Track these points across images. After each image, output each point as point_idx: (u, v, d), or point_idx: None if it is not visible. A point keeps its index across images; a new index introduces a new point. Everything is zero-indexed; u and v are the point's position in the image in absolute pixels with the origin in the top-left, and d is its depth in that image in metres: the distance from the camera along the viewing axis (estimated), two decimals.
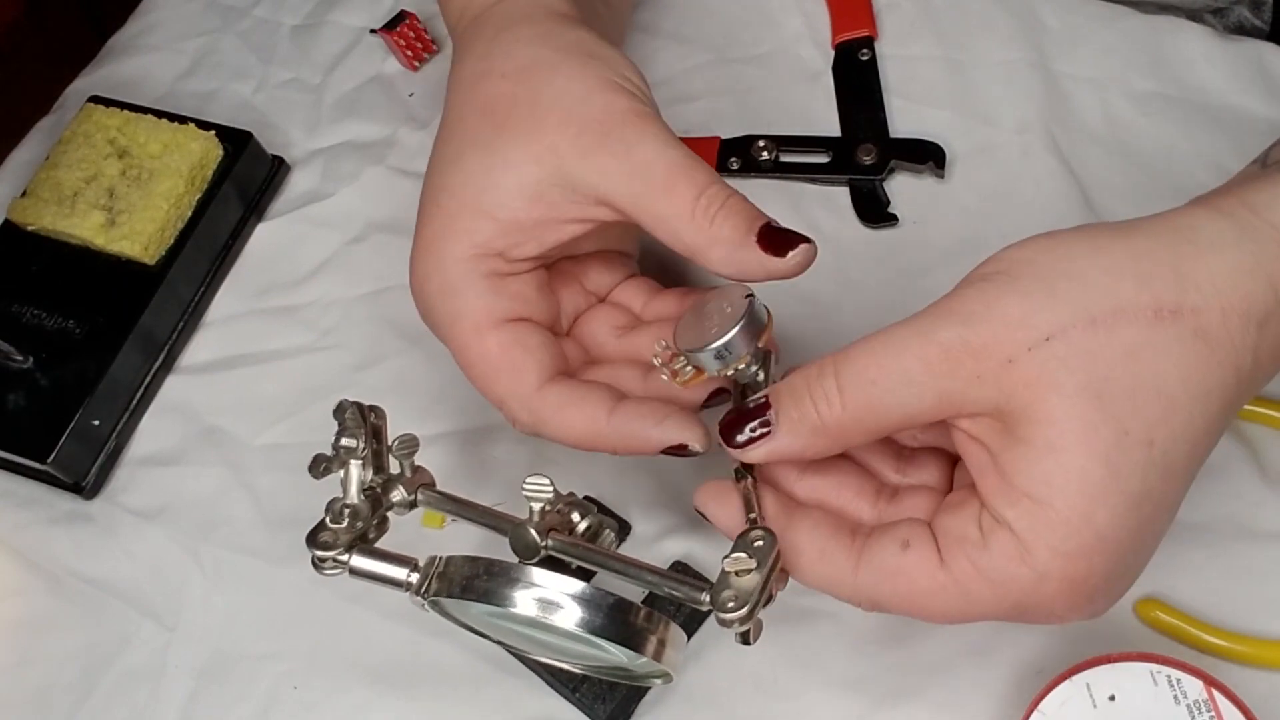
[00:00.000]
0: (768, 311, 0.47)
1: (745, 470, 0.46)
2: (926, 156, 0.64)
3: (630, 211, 0.49)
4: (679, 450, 0.49)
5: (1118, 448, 0.40)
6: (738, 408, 0.45)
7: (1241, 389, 0.42)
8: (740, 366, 0.46)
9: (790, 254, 0.47)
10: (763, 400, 0.44)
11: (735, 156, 0.66)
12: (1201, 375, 0.41)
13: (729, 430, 0.44)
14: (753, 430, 0.44)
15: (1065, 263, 0.42)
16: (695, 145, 0.66)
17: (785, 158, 0.66)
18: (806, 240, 0.47)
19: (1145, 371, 0.40)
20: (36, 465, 0.60)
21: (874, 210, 0.64)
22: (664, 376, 0.48)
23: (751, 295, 0.46)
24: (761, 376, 0.47)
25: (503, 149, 0.50)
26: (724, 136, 0.66)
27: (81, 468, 0.61)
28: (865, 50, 0.68)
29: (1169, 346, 0.41)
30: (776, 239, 0.47)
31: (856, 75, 0.67)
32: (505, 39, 0.53)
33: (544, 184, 0.50)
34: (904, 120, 0.66)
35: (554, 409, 0.50)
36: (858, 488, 0.47)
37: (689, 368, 0.47)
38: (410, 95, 0.72)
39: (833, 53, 0.68)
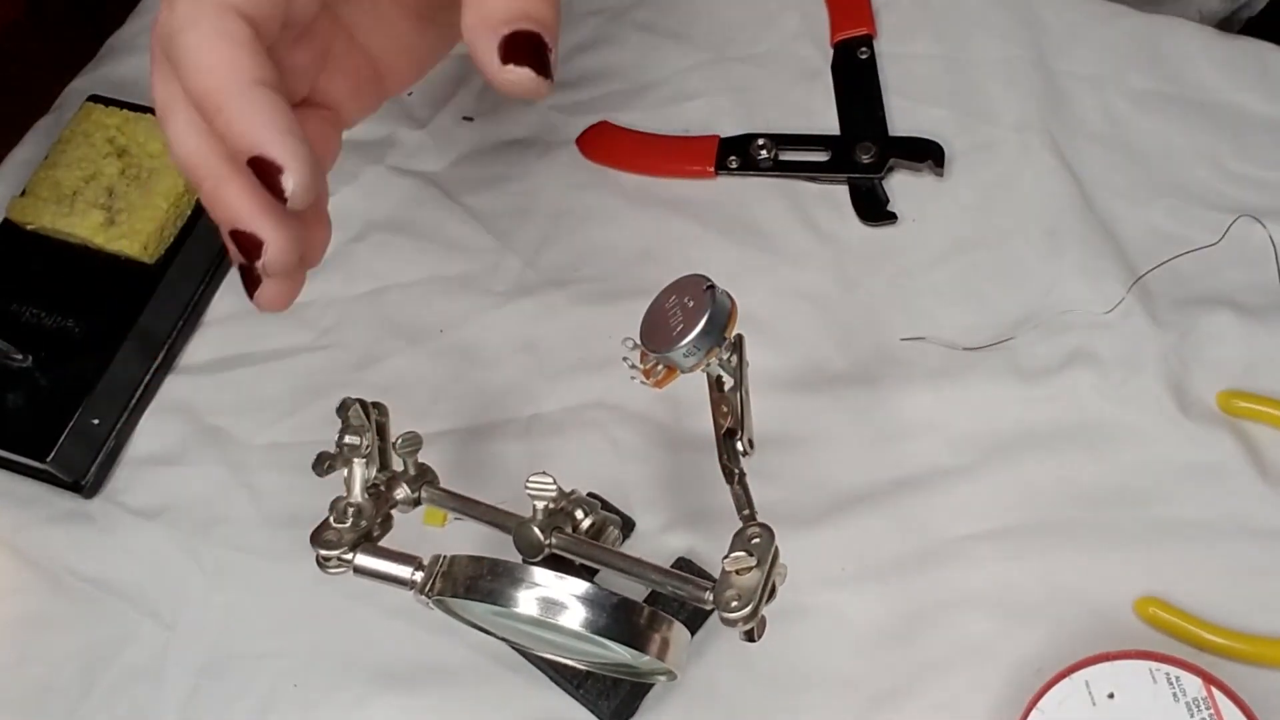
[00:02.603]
0: (730, 298, 0.45)
1: (735, 470, 0.46)
2: (925, 154, 0.64)
3: None
4: (266, 171, 0.42)
5: None
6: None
7: None
8: (712, 362, 0.45)
9: (510, 67, 0.41)
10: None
11: (734, 155, 0.65)
12: None
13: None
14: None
15: None
16: (695, 144, 0.66)
17: (784, 156, 0.66)
18: (546, 75, 0.41)
19: None
20: (36, 464, 0.60)
21: (873, 208, 0.64)
22: (635, 379, 0.47)
23: (711, 286, 0.45)
24: (735, 361, 0.46)
25: None
26: (723, 135, 0.66)
27: (81, 467, 0.61)
28: (864, 48, 0.68)
29: None
30: (515, 49, 0.41)
31: (855, 73, 0.67)
32: None
33: None
34: (903, 118, 0.66)
35: (209, 23, 0.42)
36: None
37: (660, 367, 0.46)
38: (409, 95, 0.71)
39: (831, 51, 0.68)
